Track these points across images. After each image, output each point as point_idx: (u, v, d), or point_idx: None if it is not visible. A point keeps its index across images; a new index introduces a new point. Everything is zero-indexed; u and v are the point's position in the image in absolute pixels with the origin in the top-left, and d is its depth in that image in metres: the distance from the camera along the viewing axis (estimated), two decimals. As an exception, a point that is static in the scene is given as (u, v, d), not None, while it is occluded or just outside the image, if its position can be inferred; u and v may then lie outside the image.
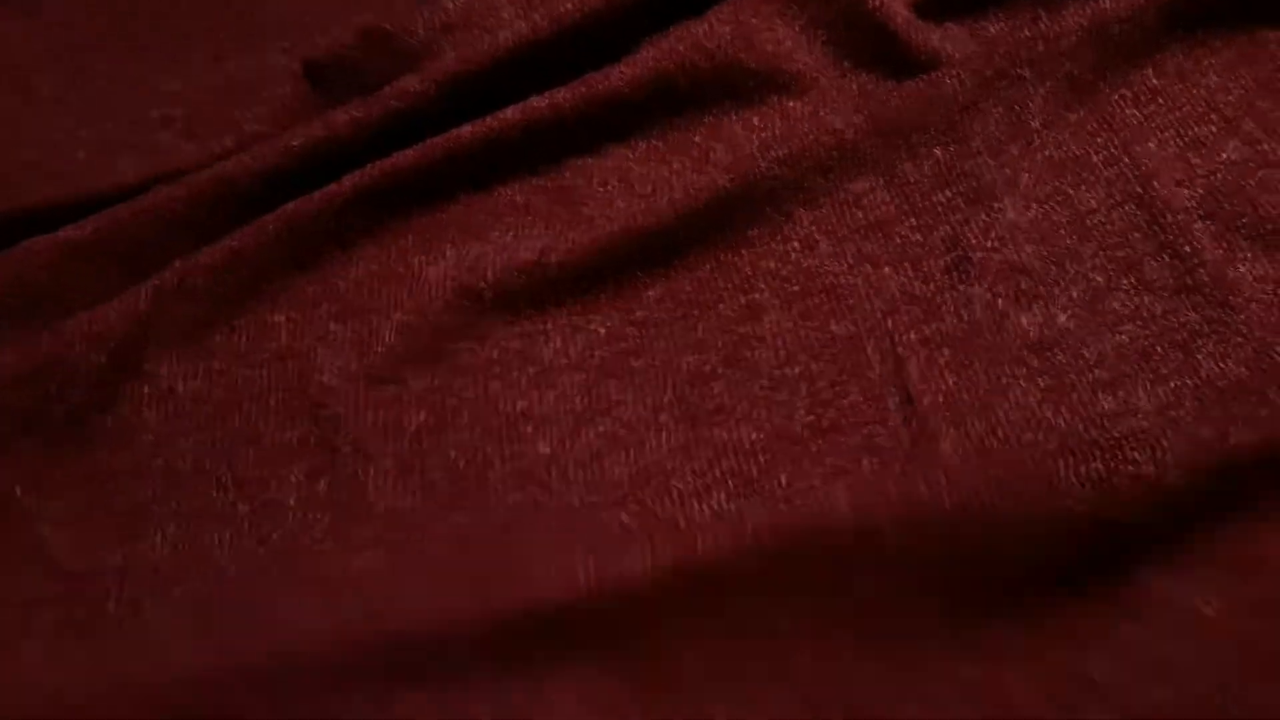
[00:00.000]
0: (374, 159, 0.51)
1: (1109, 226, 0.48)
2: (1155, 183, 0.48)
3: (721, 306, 0.47)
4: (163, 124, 0.55)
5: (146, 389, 0.46)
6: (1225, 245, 0.47)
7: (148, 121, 0.55)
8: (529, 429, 0.44)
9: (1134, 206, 0.48)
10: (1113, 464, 0.40)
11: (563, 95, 0.51)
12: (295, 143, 0.51)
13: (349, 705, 0.38)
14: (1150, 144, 0.50)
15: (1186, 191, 0.49)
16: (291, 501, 0.44)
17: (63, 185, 0.52)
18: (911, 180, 0.50)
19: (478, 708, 0.38)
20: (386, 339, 0.46)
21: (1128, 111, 0.51)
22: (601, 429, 0.44)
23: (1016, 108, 0.51)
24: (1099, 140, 0.50)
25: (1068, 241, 0.47)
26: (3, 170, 0.53)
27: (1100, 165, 0.50)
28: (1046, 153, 0.50)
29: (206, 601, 0.42)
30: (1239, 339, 0.43)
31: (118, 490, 0.44)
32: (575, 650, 0.39)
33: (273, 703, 0.38)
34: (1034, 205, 0.48)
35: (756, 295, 0.47)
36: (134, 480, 0.44)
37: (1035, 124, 0.51)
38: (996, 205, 0.48)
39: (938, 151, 0.50)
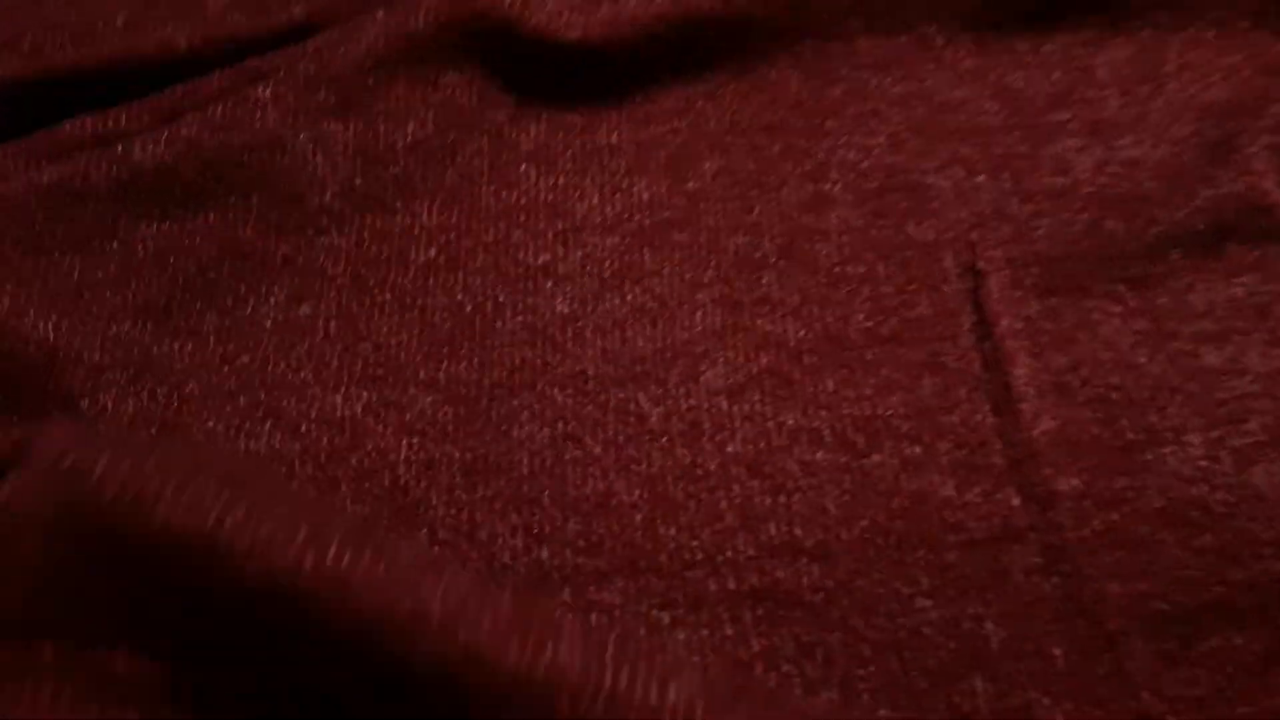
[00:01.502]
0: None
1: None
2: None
3: (785, 191, 0.42)
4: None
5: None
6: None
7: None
8: (549, 284, 0.39)
9: None
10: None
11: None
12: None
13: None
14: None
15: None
16: (268, 324, 0.39)
17: (101, 49, 0.46)
18: (1025, 96, 0.44)
19: None
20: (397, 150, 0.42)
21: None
22: (629, 297, 0.39)
23: (1150, 48, 0.45)
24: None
25: (1196, 175, 0.41)
26: (36, 32, 0.47)
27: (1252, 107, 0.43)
28: (1186, 92, 0.44)
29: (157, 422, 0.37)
30: None
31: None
32: None
33: None
34: (1164, 145, 0.43)
35: (827, 186, 0.42)
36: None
37: (1170, 67, 0.45)
38: (1118, 142, 0.43)
39: (1057, 74, 0.45)
